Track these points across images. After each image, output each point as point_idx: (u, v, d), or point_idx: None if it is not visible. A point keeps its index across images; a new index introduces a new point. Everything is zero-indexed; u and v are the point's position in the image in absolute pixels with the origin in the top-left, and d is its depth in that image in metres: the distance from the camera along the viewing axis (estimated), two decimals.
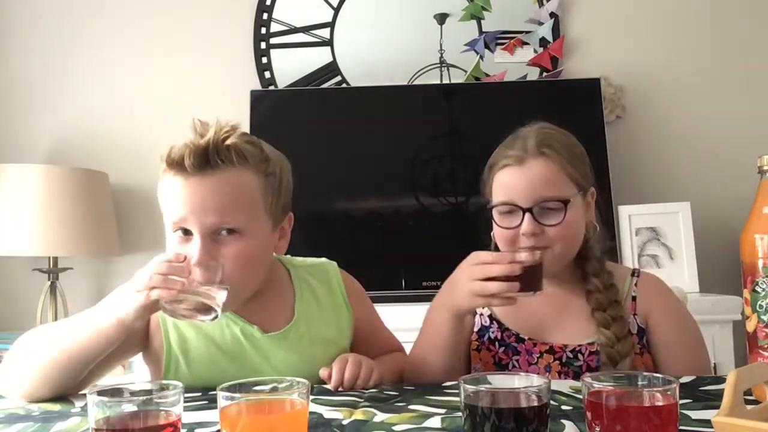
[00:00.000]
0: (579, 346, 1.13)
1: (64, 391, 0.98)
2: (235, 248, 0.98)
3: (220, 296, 0.91)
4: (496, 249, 1.24)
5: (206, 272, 0.92)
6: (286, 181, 1.09)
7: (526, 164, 1.12)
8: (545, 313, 1.18)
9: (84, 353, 0.95)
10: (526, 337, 1.17)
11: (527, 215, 1.09)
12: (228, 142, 0.98)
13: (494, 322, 1.20)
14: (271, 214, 1.05)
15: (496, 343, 1.18)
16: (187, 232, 0.98)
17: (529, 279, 0.99)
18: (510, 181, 1.13)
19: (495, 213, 1.14)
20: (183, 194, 0.97)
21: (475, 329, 1.21)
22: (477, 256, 1.04)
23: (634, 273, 1.21)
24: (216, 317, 0.91)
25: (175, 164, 0.97)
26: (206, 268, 0.92)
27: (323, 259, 1.23)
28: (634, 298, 1.18)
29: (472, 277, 1.02)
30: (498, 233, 1.15)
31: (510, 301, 1.02)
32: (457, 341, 1.12)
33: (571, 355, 1.13)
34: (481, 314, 1.21)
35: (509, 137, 1.18)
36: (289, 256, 1.20)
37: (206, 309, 0.91)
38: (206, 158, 0.96)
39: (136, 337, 1.06)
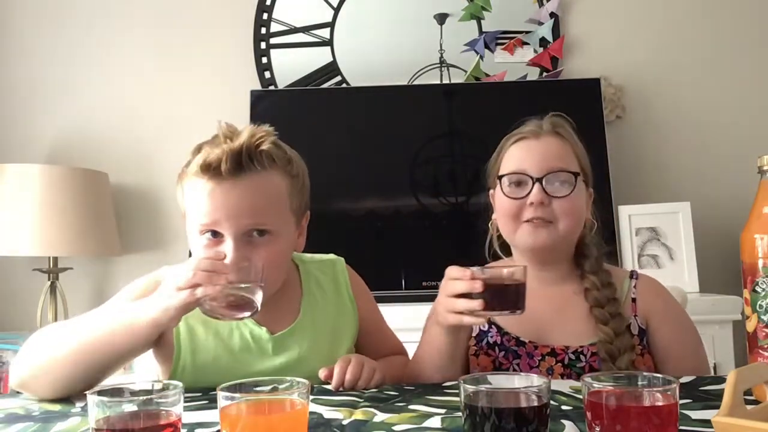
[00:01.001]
0: (581, 347, 1.13)
1: (81, 390, 0.97)
2: (267, 249, 1.00)
3: (258, 294, 0.93)
4: (492, 248, 1.25)
5: (240, 273, 0.93)
6: (306, 180, 1.12)
7: (540, 138, 1.16)
8: (545, 315, 1.17)
9: (114, 352, 0.95)
10: (526, 340, 1.16)
11: (536, 185, 1.11)
12: (262, 147, 1.01)
13: (493, 326, 1.19)
14: (295, 213, 1.08)
15: (496, 348, 1.17)
16: (216, 235, 0.99)
17: (503, 297, 0.94)
18: (523, 152, 1.16)
19: (503, 183, 1.16)
20: (217, 198, 0.98)
21: (473, 334, 1.20)
22: (448, 270, 1.00)
23: (632, 275, 1.21)
24: (254, 313, 0.93)
25: (210, 169, 0.98)
26: (240, 270, 0.93)
27: (331, 255, 1.25)
28: (634, 300, 1.18)
29: (444, 293, 0.99)
30: (502, 207, 1.16)
31: (481, 320, 0.98)
32: (453, 352, 1.08)
33: (573, 357, 1.12)
34: None
35: (521, 123, 1.22)
36: (297, 252, 1.20)
37: (243, 306, 0.93)
38: (240, 163, 0.98)
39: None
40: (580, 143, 1.21)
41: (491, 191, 1.22)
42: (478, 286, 0.93)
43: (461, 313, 0.96)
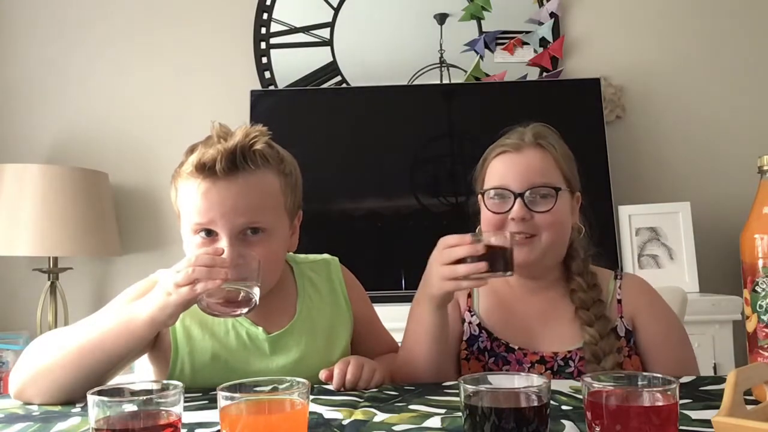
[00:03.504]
0: (569, 352, 1.14)
1: (81, 395, 0.97)
2: (262, 247, 1.01)
3: (255, 291, 0.94)
4: None
5: (236, 270, 0.93)
6: (299, 179, 1.13)
7: (522, 151, 1.16)
8: (533, 320, 1.18)
9: (112, 353, 0.94)
10: (515, 347, 1.16)
11: (518, 200, 1.12)
12: (256, 146, 1.01)
13: (483, 331, 1.19)
14: (289, 211, 1.09)
15: (486, 354, 1.18)
16: (210, 233, 1.00)
17: (498, 260, 0.99)
18: (505, 166, 1.16)
19: (486, 198, 1.16)
20: (212, 197, 0.99)
21: (464, 338, 1.20)
22: (443, 240, 1.04)
23: (617, 276, 1.22)
24: (252, 309, 0.94)
25: (205, 168, 0.98)
26: (236, 267, 0.93)
27: (325, 255, 1.25)
28: (619, 301, 1.18)
29: (441, 262, 1.02)
30: (486, 219, 1.16)
31: (479, 282, 1.02)
32: (441, 331, 1.10)
33: (562, 363, 1.13)
34: (470, 323, 1.21)
35: (506, 132, 1.21)
36: (291, 253, 1.21)
37: (241, 303, 0.93)
38: (235, 162, 0.99)
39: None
40: (566, 150, 1.20)
41: (480, 196, 1.22)
42: (480, 248, 0.98)
43: (457, 279, 0.99)
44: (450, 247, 1.01)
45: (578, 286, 1.16)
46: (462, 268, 0.99)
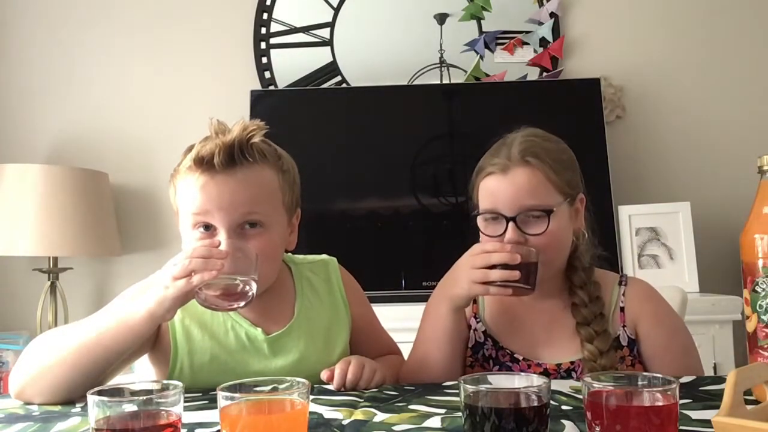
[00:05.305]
0: (572, 364, 1.13)
1: (81, 393, 0.95)
2: (259, 241, 1.01)
3: (253, 284, 0.94)
4: None
5: (234, 263, 0.93)
6: (297, 177, 1.13)
7: (509, 173, 1.11)
8: (537, 330, 1.17)
9: (112, 350, 0.94)
10: (520, 358, 1.16)
11: (510, 224, 1.09)
12: (254, 140, 1.03)
13: (489, 338, 1.19)
14: (287, 208, 1.09)
15: (491, 362, 1.17)
16: (208, 228, 1.01)
17: (525, 273, 1.03)
18: (494, 189, 1.12)
19: (480, 220, 1.14)
20: (210, 190, 0.99)
21: (470, 345, 1.19)
22: (479, 246, 1.09)
23: (621, 281, 1.19)
24: (249, 302, 0.94)
25: (204, 162, 0.99)
26: (234, 259, 0.93)
27: (324, 256, 1.25)
28: (622, 309, 1.16)
29: (473, 266, 1.05)
30: (483, 241, 1.15)
31: (506, 291, 1.05)
32: (457, 334, 1.13)
33: (565, 375, 1.13)
34: (475, 329, 1.20)
35: (496, 143, 1.18)
36: (290, 254, 1.21)
37: (238, 296, 0.93)
38: (233, 156, 1.00)
39: (147, 337, 1.05)
40: (561, 155, 1.15)
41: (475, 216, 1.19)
42: (517, 258, 1.02)
43: (486, 284, 1.04)
44: (486, 252, 1.05)
45: (580, 300, 1.14)
46: (496, 273, 1.03)
